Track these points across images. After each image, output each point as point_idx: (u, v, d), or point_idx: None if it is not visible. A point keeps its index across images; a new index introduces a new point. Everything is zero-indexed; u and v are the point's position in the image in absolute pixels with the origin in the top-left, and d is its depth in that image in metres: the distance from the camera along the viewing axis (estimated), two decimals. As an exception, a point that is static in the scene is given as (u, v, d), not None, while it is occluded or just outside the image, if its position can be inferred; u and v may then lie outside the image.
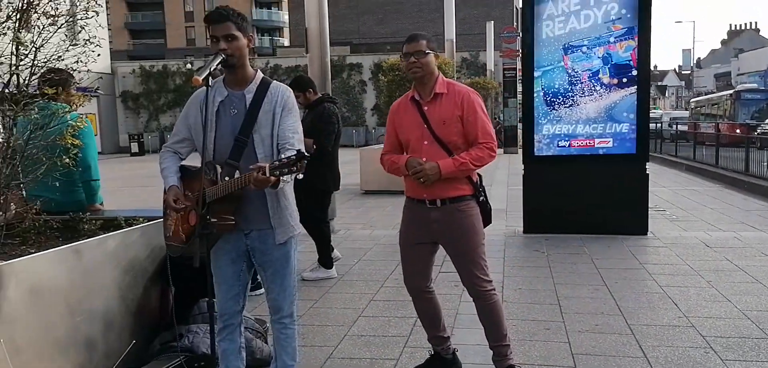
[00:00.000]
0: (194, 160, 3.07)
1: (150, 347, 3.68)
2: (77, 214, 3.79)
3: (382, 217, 9.79)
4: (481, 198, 3.47)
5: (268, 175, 2.62)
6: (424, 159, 3.33)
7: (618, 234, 7.54)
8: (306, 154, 2.62)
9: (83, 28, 3.19)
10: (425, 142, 3.38)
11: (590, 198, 7.72)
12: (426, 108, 3.41)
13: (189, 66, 37.69)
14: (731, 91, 32.73)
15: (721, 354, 3.99)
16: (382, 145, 3.73)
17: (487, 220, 3.51)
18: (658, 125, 26.61)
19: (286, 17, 66.62)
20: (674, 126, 27.11)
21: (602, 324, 4.58)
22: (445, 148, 3.35)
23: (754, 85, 37.97)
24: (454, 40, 21.05)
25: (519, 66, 27.96)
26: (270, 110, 3.00)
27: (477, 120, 3.37)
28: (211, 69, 2.79)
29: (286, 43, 62.76)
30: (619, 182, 7.66)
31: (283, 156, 2.74)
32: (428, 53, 3.36)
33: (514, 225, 8.33)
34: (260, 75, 3.07)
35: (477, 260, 3.43)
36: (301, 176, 2.63)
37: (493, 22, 30.26)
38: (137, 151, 34.24)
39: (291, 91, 3.12)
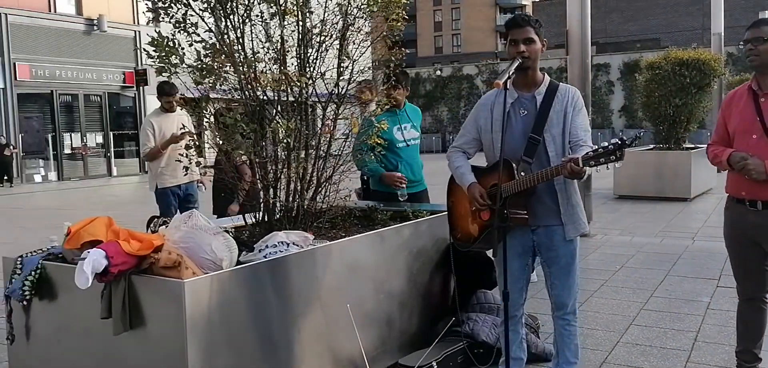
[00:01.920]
0: (476, 161, 3.30)
1: (434, 329, 4.00)
2: (374, 205, 4.27)
3: (640, 224, 9.27)
4: None
5: (581, 165, 2.74)
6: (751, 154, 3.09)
7: None
8: (627, 142, 2.68)
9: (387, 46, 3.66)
10: (754, 136, 3.13)
11: None
12: (763, 100, 3.16)
13: (439, 72, 39.47)
14: None
15: None
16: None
17: None
18: None
19: (530, 20, 66.04)
20: None
21: None
22: None
23: None
24: (722, 34, 19.01)
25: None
26: (561, 110, 3.10)
27: None
28: (510, 73, 2.96)
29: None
30: None
31: (598, 147, 2.80)
32: None
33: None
34: (548, 78, 3.18)
35: None
36: (619, 165, 2.70)
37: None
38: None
39: (579, 91, 3.19)
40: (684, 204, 11.14)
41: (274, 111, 3.39)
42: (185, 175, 5.28)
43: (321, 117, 3.70)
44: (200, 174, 5.58)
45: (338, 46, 3.51)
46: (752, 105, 3.17)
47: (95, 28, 23.73)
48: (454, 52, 69.46)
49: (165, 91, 5.90)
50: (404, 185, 4.60)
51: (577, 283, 3.26)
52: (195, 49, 3.30)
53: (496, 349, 3.82)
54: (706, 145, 3.44)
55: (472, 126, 3.32)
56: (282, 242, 3.00)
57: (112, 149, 25.15)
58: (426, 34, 73.85)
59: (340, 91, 3.63)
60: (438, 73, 39.34)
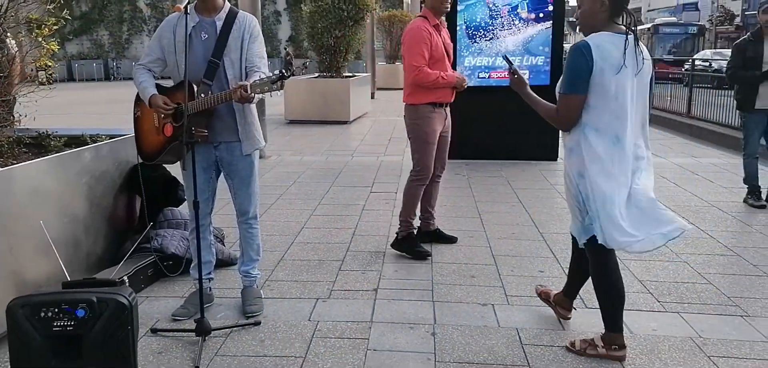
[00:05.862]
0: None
1: (122, 248, 4.06)
2: (45, 132, 4.06)
3: (309, 145, 10.22)
4: None
5: (249, 92, 3.06)
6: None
7: (532, 160, 8.31)
8: (286, 74, 3.07)
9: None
10: (447, 61, 4.50)
11: (507, 128, 8.32)
12: (442, 34, 4.50)
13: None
14: (649, 25, 32.59)
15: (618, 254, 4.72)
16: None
17: None
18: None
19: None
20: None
21: (518, 232, 5.23)
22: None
23: (674, 19, 37.49)
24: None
25: None
26: (239, 36, 3.40)
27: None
28: None
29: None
30: (534, 112, 8.18)
31: (262, 76, 3.16)
32: None
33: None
34: (228, 4, 3.45)
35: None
36: (281, 92, 3.10)
37: (410, -45, 30.38)
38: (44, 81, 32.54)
39: (256, 19, 3.53)
40: (344, 126, 12.52)
41: None
42: None
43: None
44: None
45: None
46: (439, 37, 4.45)
47: None
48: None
49: None
50: None
51: (257, 193, 3.67)
52: None
53: (185, 259, 4.08)
54: (419, 68, 4.34)
55: (156, 45, 3.43)
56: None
57: None
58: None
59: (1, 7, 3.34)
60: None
